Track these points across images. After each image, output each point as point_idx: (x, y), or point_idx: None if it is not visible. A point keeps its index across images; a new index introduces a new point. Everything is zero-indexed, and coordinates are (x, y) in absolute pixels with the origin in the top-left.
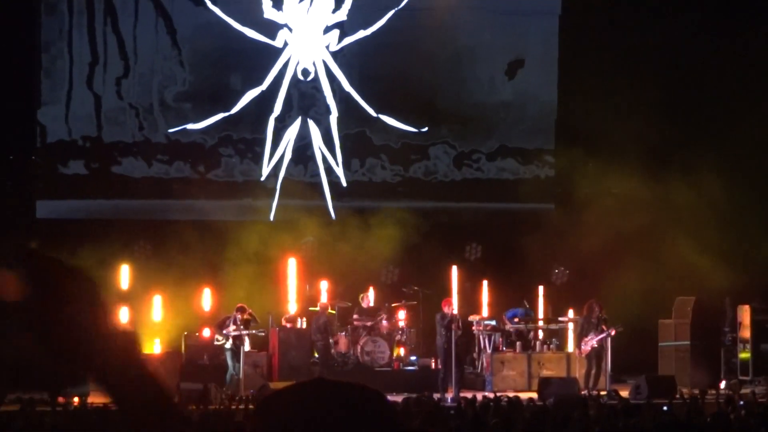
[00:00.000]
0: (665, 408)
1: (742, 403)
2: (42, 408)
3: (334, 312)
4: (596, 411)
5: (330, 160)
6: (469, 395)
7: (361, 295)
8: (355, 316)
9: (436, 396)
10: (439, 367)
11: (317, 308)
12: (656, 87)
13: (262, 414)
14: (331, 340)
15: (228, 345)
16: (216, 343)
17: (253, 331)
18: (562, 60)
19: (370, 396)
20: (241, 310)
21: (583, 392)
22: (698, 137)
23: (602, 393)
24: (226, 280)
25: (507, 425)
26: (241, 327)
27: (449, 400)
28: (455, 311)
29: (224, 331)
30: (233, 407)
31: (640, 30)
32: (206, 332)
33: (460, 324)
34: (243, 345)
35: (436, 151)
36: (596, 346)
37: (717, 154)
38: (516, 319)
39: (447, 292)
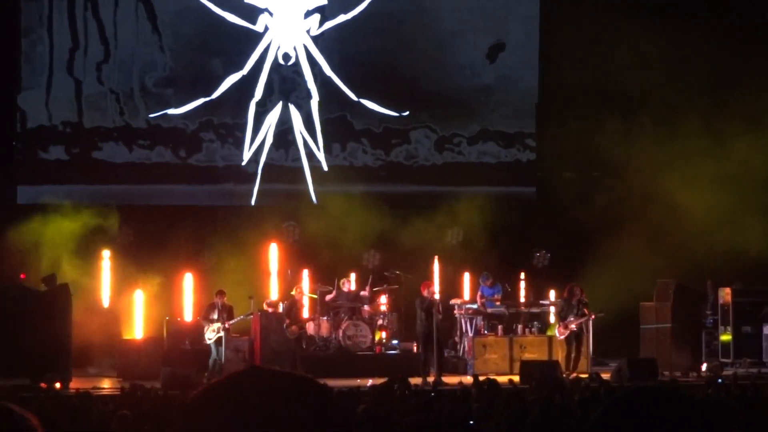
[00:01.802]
0: None
1: (720, 381)
2: (25, 394)
3: (315, 296)
4: (578, 394)
5: (311, 144)
6: (452, 379)
7: (342, 279)
8: (336, 299)
9: (417, 380)
10: (420, 351)
11: (293, 293)
12: (637, 69)
13: (194, 410)
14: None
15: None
16: (207, 341)
17: (242, 317)
18: (543, 43)
19: (304, 383)
20: (221, 294)
21: (564, 375)
22: (685, 121)
23: (583, 376)
24: (207, 265)
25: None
26: (224, 316)
27: (430, 385)
28: (437, 295)
29: (212, 326)
30: None
31: (623, 13)
32: (188, 317)
33: (440, 308)
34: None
35: (417, 135)
36: (575, 329)
37: (704, 135)
38: (495, 298)
39: (428, 276)
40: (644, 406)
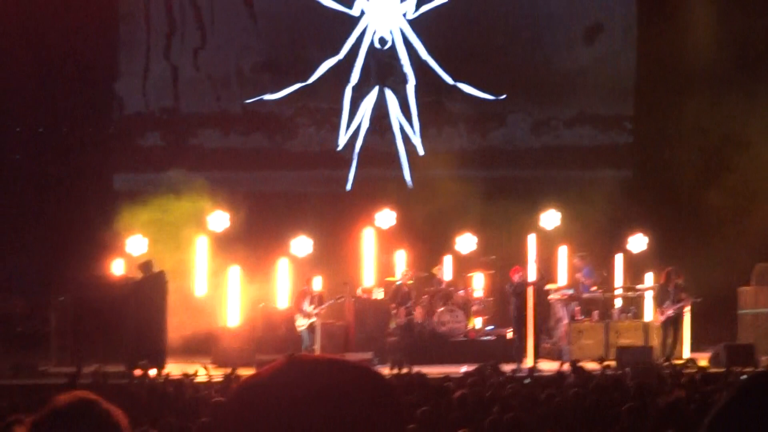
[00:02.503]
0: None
1: None
2: (119, 381)
3: (411, 282)
4: (672, 379)
5: (407, 129)
6: (549, 365)
7: (437, 266)
8: (431, 287)
9: (512, 366)
10: (514, 336)
11: (395, 278)
12: (738, 46)
13: (236, 406)
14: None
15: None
16: (300, 328)
17: (332, 301)
18: (641, 25)
19: (352, 370)
20: (311, 281)
21: (659, 361)
22: None
23: (679, 362)
24: (302, 251)
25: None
26: (316, 303)
27: (525, 371)
28: (532, 278)
29: (306, 312)
30: None
31: None
32: (282, 304)
33: (535, 291)
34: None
35: (514, 118)
36: (672, 314)
37: None
38: (594, 287)
39: (524, 261)
40: None
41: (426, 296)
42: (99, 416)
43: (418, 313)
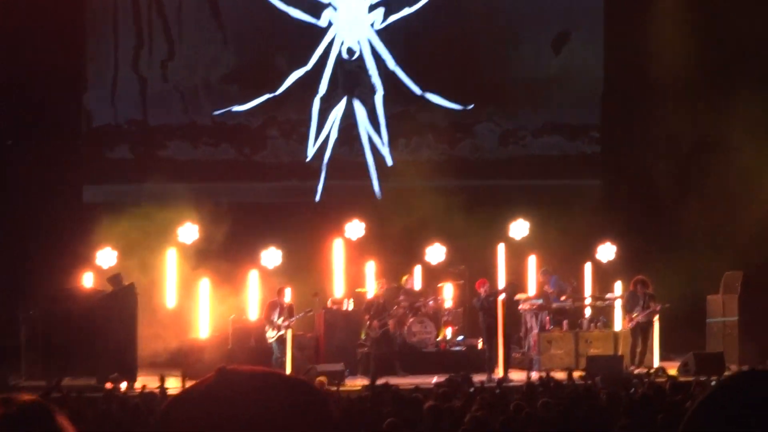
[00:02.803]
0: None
1: None
2: (90, 394)
3: (382, 293)
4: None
5: (375, 139)
6: (518, 375)
7: (406, 276)
8: (401, 297)
9: (482, 377)
10: (485, 347)
11: (365, 290)
12: (706, 53)
13: (166, 422)
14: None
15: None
16: (270, 339)
17: (301, 314)
18: (608, 33)
19: (285, 384)
20: (282, 292)
21: (629, 369)
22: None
23: (649, 371)
24: (272, 262)
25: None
26: (286, 314)
27: (495, 381)
28: (501, 286)
29: (275, 324)
30: None
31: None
32: (253, 316)
33: (504, 301)
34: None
35: (482, 128)
36: (642, 321)
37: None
38: (563, 297)
39: (494, 271)
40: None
41: (399, 308)
42: (44, 423)
43: (391, 325)
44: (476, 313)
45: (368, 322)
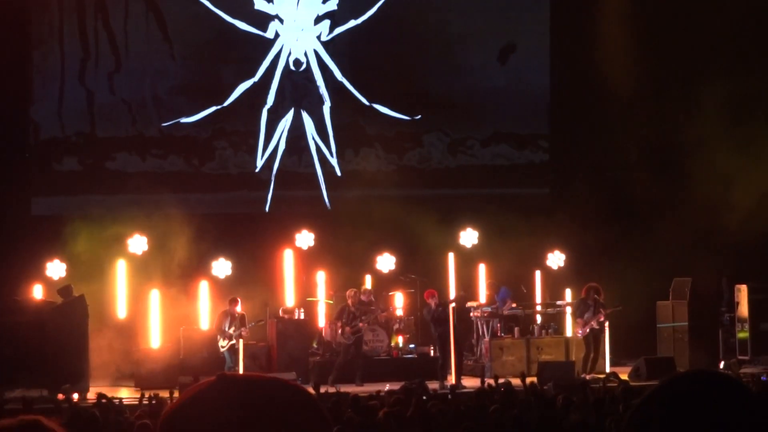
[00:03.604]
0: None
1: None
2: (43, 406)
3: (331, 302)
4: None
5: (324, 150)
6: (470, 382)
7: (359, 287)
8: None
9: (435, 384)
10: (437, 355)
11: (316, 299)
12: (652, 62)
13: (167, 427)
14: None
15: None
16: (222, 349)
17: (253, 324)
18: (554, 44)
19: (283, 388)
20: (234, 302)
21: (581, 375)
22: (692, 124)
23: (600, 376)
24: (222, 273)
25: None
26: (237, 324)
27: (448, 388)
28: (453, 295)
29: (227, 334)
30: None
31: (632, 11)
32: (204, 326)
33: (454, 311)
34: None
35: (430, 138)
36: (596, 327)
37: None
38: (513, 304)
39: (444, 279)
40: (698, 389)
41: (373, 314)
42: None
43: (346, 333)
44: (427, 323)
45: (340, 329)
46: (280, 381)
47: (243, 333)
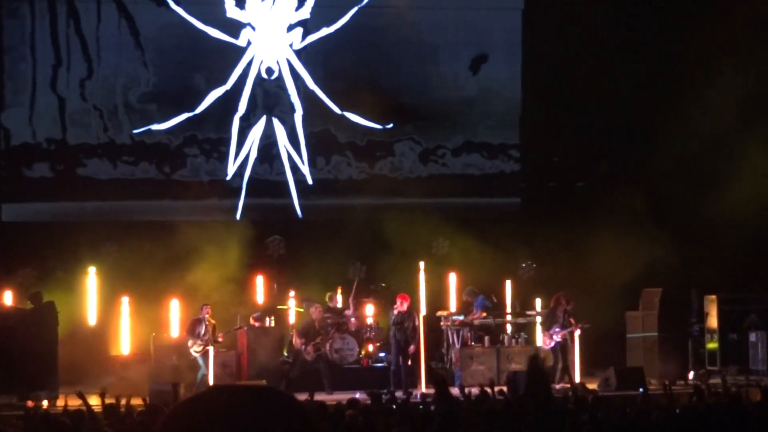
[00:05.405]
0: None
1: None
2: (11, 413)
3: (302, 310)
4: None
5: (295, 158)
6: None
7: (329, 293)
8: (326, 315)
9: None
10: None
11: (286, 307)
12: (623, 73)
13: None
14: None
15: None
16: (194, 354)
17: (230, 331)
18: (525, 55)
19: (267, 397)
20: (206, 308)
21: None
22: (661, 132)
23: (570, 386)
24: (193, 280)
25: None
26: (210, 331)
27: (417, 396)
28: (422, 305)
29: (199, 340)
30: None
31: (604, 24)
32: (174, 333)
33: (418, 319)
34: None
35: (402, 147)
36: (560, 340)
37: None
38: (483, 314)
39: (415, 288)
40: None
41: (331, 327)
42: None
43: (308, 351)
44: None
45: (303, 347)
46: (273, 390)
47: (219, 338)
